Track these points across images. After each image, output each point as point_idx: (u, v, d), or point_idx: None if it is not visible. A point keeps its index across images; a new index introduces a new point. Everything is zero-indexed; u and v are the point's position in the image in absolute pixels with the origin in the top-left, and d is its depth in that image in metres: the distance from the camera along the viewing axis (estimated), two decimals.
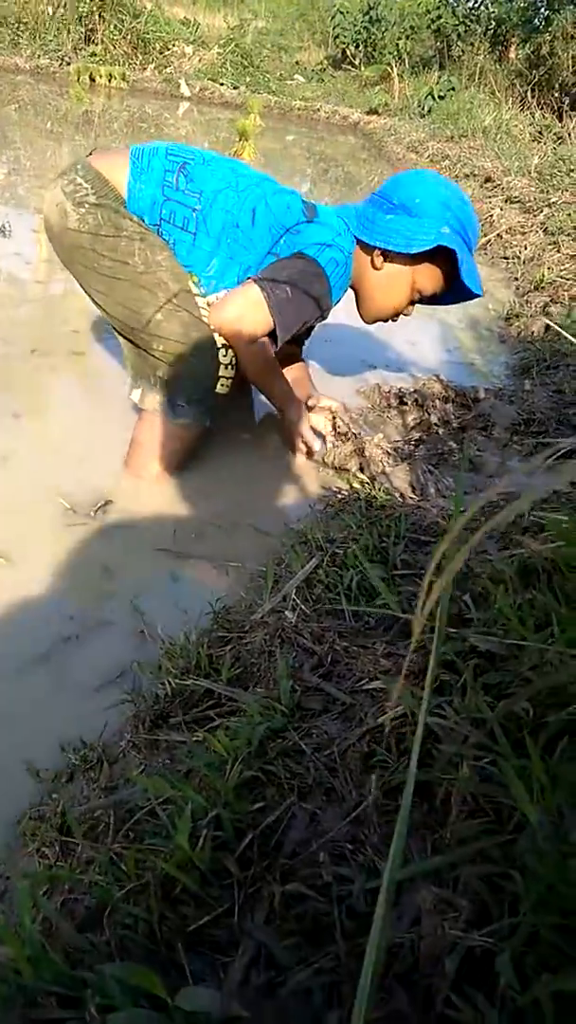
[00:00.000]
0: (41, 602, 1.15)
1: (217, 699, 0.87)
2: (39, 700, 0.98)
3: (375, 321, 1.73)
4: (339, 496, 1.49)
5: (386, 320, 1.72)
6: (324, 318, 1.60)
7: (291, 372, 1.85)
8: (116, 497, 1.43)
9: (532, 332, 2.66)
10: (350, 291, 1.68)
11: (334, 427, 1.73)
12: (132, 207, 1.44)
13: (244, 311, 1.44)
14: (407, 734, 0.74)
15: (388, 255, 1.57)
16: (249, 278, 1.48)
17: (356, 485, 1.47)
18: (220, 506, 1.48)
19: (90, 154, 1.50)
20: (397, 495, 1.40)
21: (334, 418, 1.75)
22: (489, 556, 0.92)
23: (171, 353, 1.44)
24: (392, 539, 1.11)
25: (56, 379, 1.92)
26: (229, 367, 1.49)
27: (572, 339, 1.01)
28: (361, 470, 1.58)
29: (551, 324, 2.17)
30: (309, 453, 1.66)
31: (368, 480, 1.50)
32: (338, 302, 1.61)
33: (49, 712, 0.96)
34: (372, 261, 1.58)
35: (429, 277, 1.61)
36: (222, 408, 1.60)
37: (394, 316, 1.71)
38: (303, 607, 0.98)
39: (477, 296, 1.62)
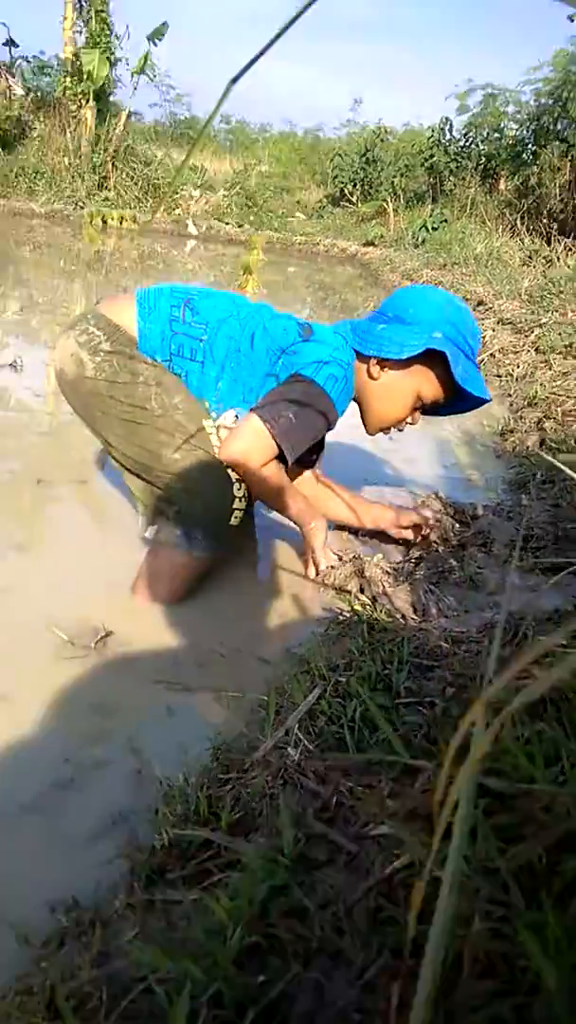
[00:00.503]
0: (34, 743, 1.11)
1: (217, 849, 0.82)
2: (30, 854, 0.93)
3: (378, 431, 1.74)
4: (340, 618, 1.47)
5: (389, 430, 1.74)
6: (331, 428, 1.63)
7: (307, 485, 1.86)
8: (116, 628, 1.41)
9: (527, 447, 2.70)
10: (353, 406, 1.71)
11: (429, 526, 1.78)
12: (144, 346, 1.52)
13: (249, 444, 1.48)
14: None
15: (384, 364, 1.61)
16: (251, 409, 1.52)
17: (357, 607, 1.46)
18: (221, 633, 1.46)
19: (98, 303, 1.59)
20: (399, 616, 1.39)
21: (435, 520, 1.78)
22: (491, 683, 0.89)
23: (188, 490, 1.50)
24: (396, 665, 1.08)
25: (60, 508, 1.95)
26: (242, 500, 1.52)
27: (559, 463, 1.02)
28: (361, 591, 1.57)
29: (543, 451, 2.20)
30: (318, 572, 1.65)
31: (369, 601, 1.49)
32: (343, 412, 1.63)
33: (40, 867, 0.91)
34: (369, 371, 1.62)
35: (427, 383, 1.63)
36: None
37: (398, 425, 1.72)
38: (306, 742, 0.95)
39: (484, 401, 1.64)
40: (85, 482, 2.12)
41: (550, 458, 0.92)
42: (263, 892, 0.69)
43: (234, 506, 1.51)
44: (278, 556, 1.83)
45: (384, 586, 1.51)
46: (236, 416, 1.58)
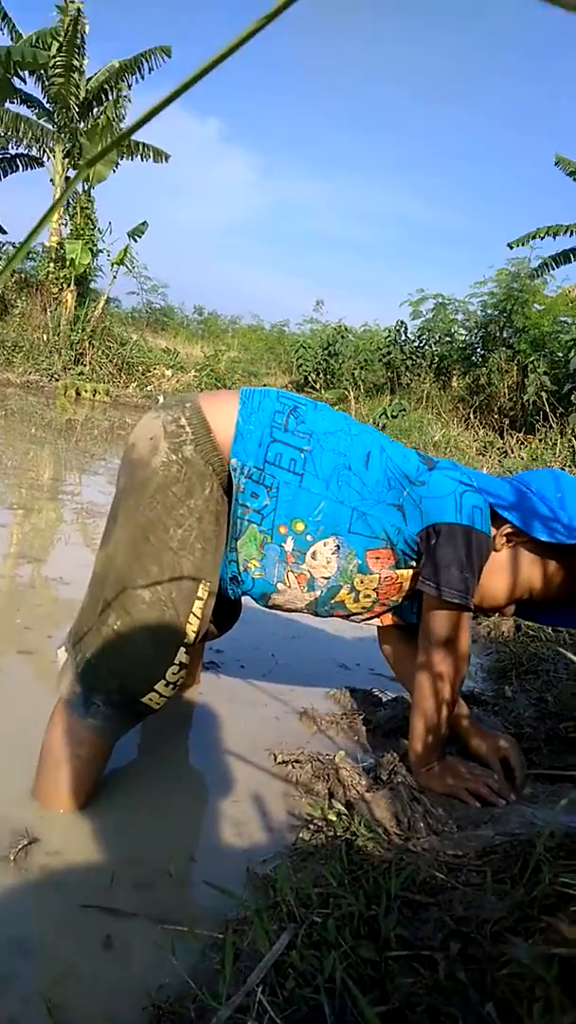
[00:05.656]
0: None
1: None
2: None
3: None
4: (311, 828, 1.27)
5: (477, 613, 1.51)
6: None
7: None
8: (43, 833, 1.19)
9: (503, 633, 2.60)
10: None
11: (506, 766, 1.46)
12: (238, 448, 1.34)
13: (459, 634, 1.36)
14: None
15: (515, 538, 1.43)
16: (427, 583, 1.35)
17: (332, 817, 1.26)
18: (168, 842, 1.24)
19: (201, 390, 1.46)
20: (381, 831, 1.19)
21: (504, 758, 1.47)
22: (512, 942, 0.71)
23: (122, 636, 1.26)
24: (384, 904, 0.89)
25: None
26: (171, 687, 1.31)
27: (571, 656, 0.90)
28: (332, 795, 1.37)
29: (518, 639, 2.10)
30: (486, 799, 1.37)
31: (345, 810, 1.29)
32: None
33: None
34: (494, 539, 1.43)
35: (551, 579, 1.44)
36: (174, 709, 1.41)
37: (486, 611, 1.52)
38: (272, 1012, 0.73)
39: None
40: (29, 652, 1.94)
41: (568, 653, 0.80)
42: None
43: (156, 688, 1.29)
44: (231, 740, 1.63)
45: (360, 791, 1.32)
46: (338, 546, 1.37)
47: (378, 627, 1.69)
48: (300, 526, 1.37)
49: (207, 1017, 0.77)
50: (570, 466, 6.17)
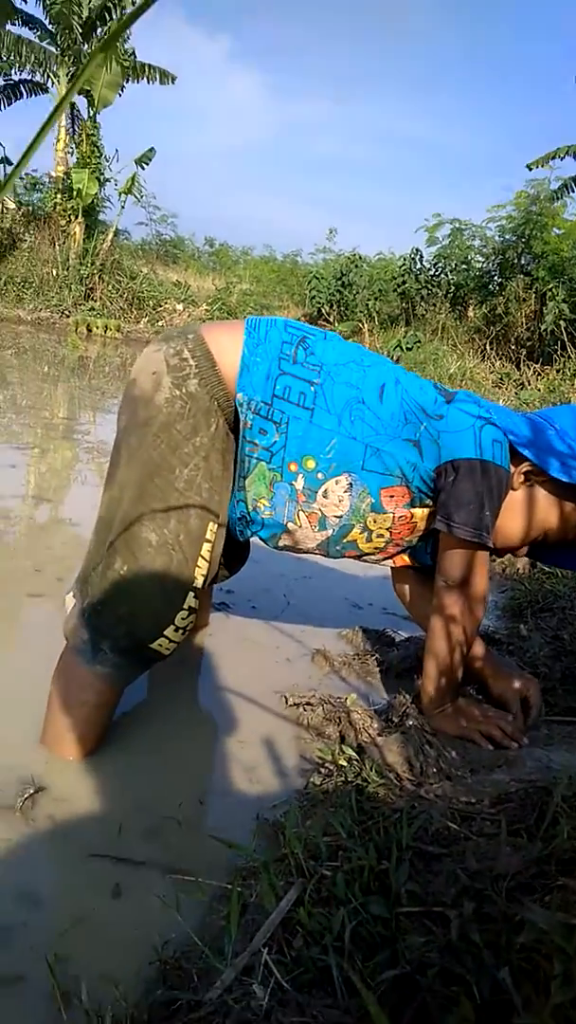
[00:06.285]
0: None
1: None
2: None
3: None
4: (322, 773, 1.25)
5: (491, 553, 1.41)
6: None
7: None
8: (50, 781, 1.17)
9: (519, 570, 2.55)
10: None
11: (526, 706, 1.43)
12: (244, 382, 1.28)
13: (476, 574, 1.31)
14: None
15: (533, 476, 1.37)
16: (445, 521, 1.29)
17: (342, 762, 1.24)
18: (177, 788, 1.22)
19: (203, 322, 1.37)
20: (392, 777, 1.16)
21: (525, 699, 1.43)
22: (530, 907, 0.68)
23: (129, 581, 1.22)
24: (395, 856, 0.86)
25: (3, 627, 1.73)
26: (180, 631, 1.28)
27: None
28: (343, 739, 1.35)
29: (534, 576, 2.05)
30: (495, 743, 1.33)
31: (355, 754, 1.27)
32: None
33: None
34: (512, 477, 1.36)
35: (567, 520, 1.38)
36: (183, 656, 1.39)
37: (499, 551, 1.45)
38: (279, 974, 0.71)
39: None
40: (39, 595, 1.91)
41: None
42: None
43: (165, 633, 1.25)
44: (241, 682, 1.61)
45: (372, 734, 1.29)
46: (351, 484, 1.32)
47: (392, 568, 1.64)
48: (311, 463, 1.31)
49: (212, 977, 0.75)
50: None
